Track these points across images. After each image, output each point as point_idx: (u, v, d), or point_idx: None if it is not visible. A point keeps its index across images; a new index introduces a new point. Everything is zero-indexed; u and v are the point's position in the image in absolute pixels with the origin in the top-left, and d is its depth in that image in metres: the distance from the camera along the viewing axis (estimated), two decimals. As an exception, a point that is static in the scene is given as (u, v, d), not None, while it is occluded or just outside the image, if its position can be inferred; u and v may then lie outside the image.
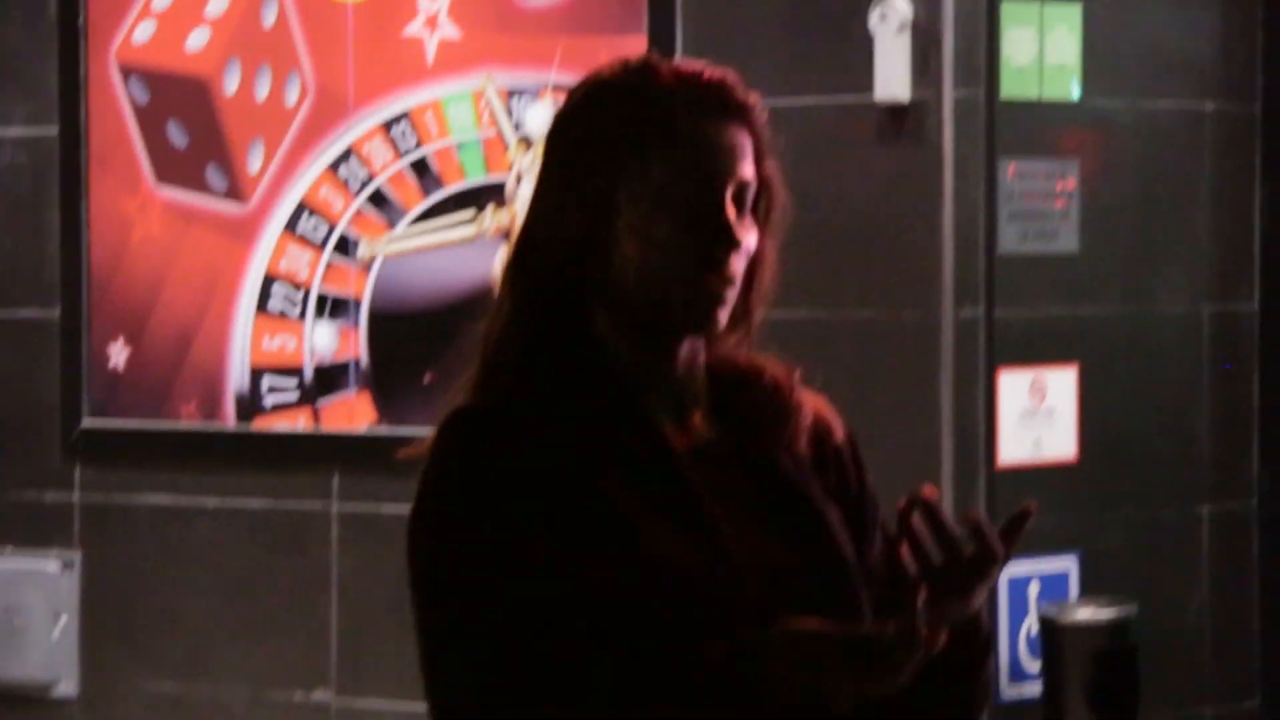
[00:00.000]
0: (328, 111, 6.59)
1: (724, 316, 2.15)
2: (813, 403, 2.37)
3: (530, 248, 2.22)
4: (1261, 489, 6.25)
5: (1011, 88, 5.58)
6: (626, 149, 2.13)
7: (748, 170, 2.16)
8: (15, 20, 7.21)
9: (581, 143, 2.20)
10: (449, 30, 6.31)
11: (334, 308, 6.09)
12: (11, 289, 7.05)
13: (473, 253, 6.26)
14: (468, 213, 6.30)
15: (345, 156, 6.50)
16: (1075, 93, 5.71)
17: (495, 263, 6.10)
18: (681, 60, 2.55)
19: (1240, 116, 6.21)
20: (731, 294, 2.15)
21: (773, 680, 2.07)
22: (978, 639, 2.23)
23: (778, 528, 2.24)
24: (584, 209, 2.14)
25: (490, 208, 6.24)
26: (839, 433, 2.37)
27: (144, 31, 6.84)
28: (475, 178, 6.26)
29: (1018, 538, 2.13)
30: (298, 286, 6.51)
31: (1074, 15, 5.68)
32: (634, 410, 2.19)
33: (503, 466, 2.12)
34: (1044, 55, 5.68)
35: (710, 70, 2.22)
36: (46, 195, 7.11)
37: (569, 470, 2.13)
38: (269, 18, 6.51)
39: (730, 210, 2.11)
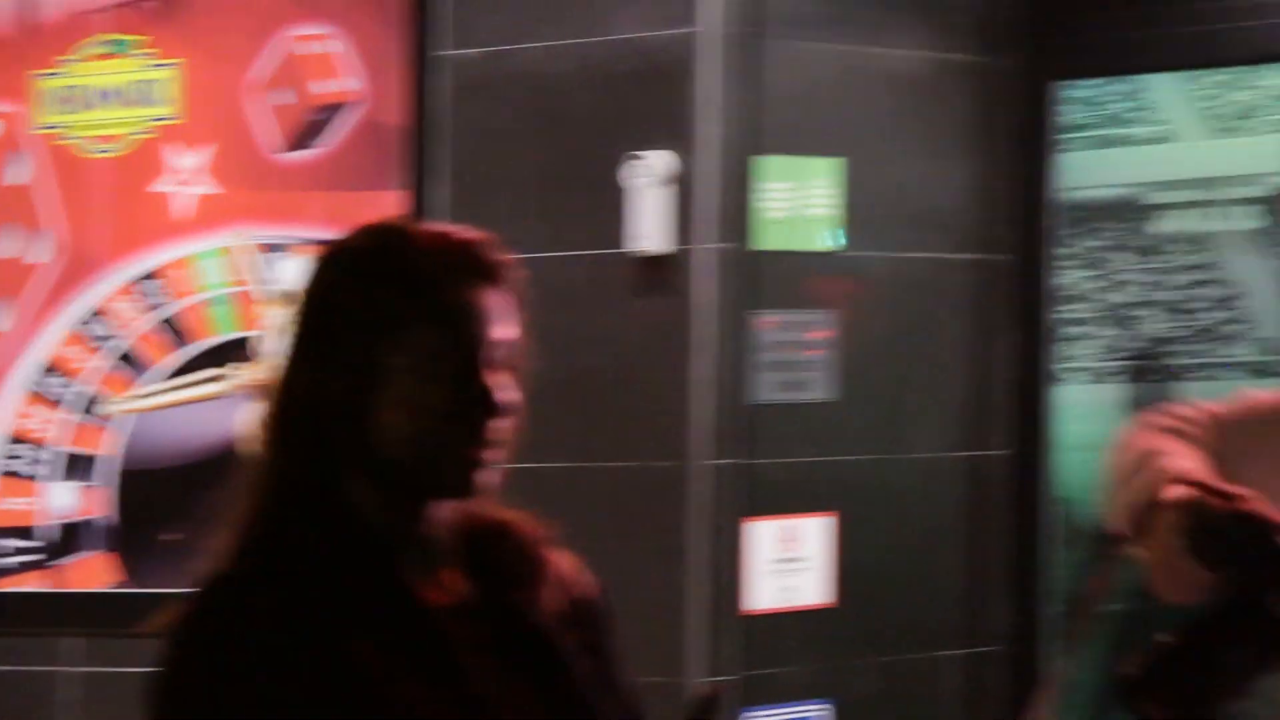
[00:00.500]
0: (78, 268, 6.52)
1: (489, 480, 2.19)
2: (563, 560, 2.40)
3: (288, 411, 2.22)
4: (1010, 633, 6.38)
5: (768, 239, 5.67)
6: (390, 318, 2.16)
7: (511, 331, 2.21)
8: None
9: (341, 309, 2.21)
10: (201, 186, 6.29)
11: (79, 465, 6.02)
12: None
13: (222, 409, 6.22)
14: (217, 369, 6.27)
15: (94, 314, 6.43)
16: (833, 244, 5.80)
17: (242, 419, 6.06)
18: (432, 224, 2.52)
19: (991, 266, 6.35)
20: (497, 458, 2.20)
21: None
22: None
23: (529, 680, 2.25)
24: (347, 377, 2.16)
25: (240, 364, 6.23)
26: (590, 590, 2.41)
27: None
28: (226, 333, 6.24)
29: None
30: (39, 445, 6.43)
31: (833, 169, 5.79)
32: (387, 571, 2.20)
33: (246, 636, 2.11)
34: (802, 208, 5.79)
35: (462, 232, 2.26)
36: None
37: (318, 635, 2.12)
38: (20, 175, 6.48)
39: (494, 377, 2.16)
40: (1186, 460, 2.64)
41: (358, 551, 2.20)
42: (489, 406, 2.18)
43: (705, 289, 5.61)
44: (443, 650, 2.22)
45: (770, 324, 5.73)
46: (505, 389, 2.21)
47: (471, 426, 2.19)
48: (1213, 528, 2.44)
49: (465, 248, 2.25)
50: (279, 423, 2.22)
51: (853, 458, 5.89)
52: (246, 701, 2.09)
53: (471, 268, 2.23)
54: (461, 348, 2.18)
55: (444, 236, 2.30)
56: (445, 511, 2.25)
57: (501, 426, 2.22)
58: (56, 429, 6.49)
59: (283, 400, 2.22)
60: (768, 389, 5.71)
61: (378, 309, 2.18)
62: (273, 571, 2.16)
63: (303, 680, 2.11)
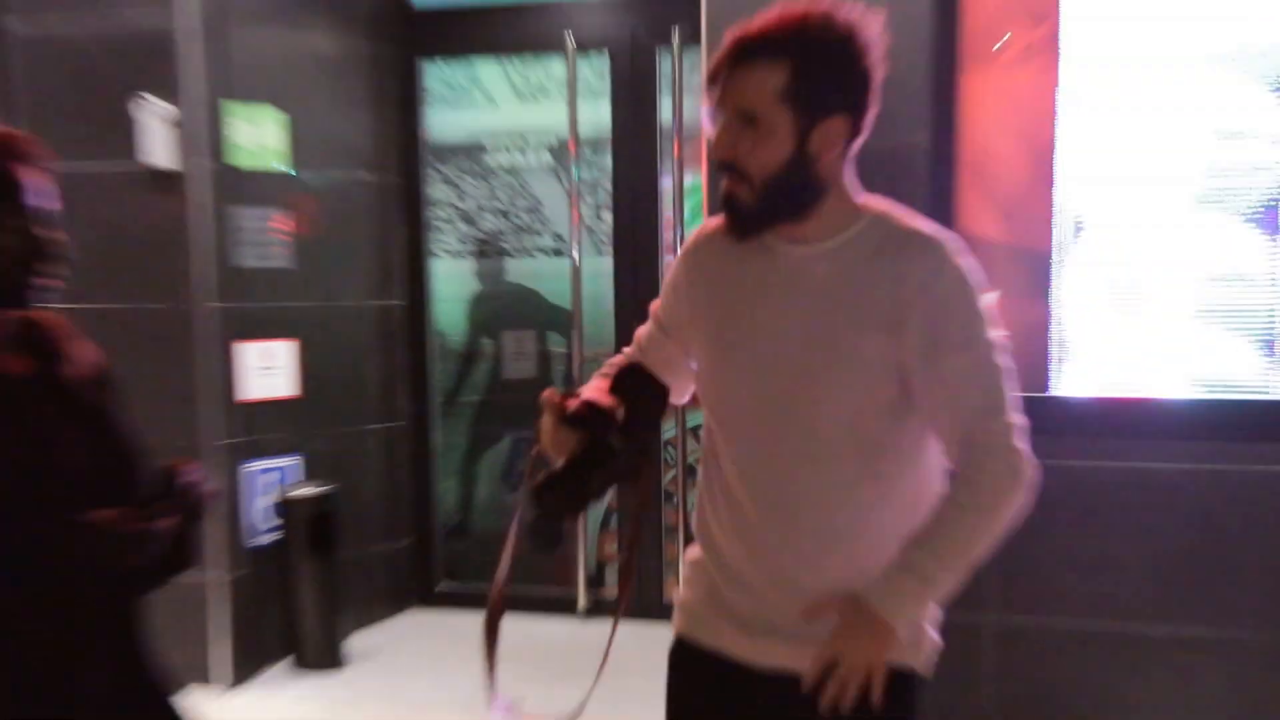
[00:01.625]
0: None
1: (41, 297, 2.62)
2: (87, 347, 2.78)
3: None
4: (407, 415, 7.57)
5: (240, 161, 6.38)
6: None
7: (50, 200, 2.62)
8: None
9: None
10: None
11: None
12: None
13: None
14: None
15: None
16: (284, 167, 6.54)
17: None
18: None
19: (388, 184, 7.35)
20: (49, 285, 2.62)
21: (71, 550, 2.53)
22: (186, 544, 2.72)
23: (78, 421, 2.60)
24: None
25: None
26: (103, 363, 2.79)
27: None
28: None
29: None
30: None
31: (280, 118, 6.56)
32: None
33: None
34: (261, 142, 6.49)
35: (12, 131, 2.67)
36: None
37: None
38: None
39: (44, 230, 2.59)
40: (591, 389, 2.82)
41: None
42: (39, 249, 2.57)
43: (200, 192, 6.24)
44: (17, 407, 2.52)
45: (247, 216, 6.46)
46: (53, 238, 2.59)
47: (25, 256, 2.56)
48: (570, 412, 2.67)
49: (13, 139, 2.63)
50: None
51: (305, 304, 6.79)
52: None
53: (17, 152, 2.59)
54: (10, 207, 2.55)
55: (15, 138, 2.64)
56: (12, 315, 2.57)
57: (49, 267, 2.59)
58: None
59: None
60: (247, 258, 6.44)
61: None
62: None
63: None
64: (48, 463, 2.49)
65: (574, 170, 7.07)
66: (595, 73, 7.10)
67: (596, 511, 7.47)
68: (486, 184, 7.62)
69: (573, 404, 2.63)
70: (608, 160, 7.17)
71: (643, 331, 3.02)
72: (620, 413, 2.65)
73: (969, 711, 5.54)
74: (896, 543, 2.64)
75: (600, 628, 7.25)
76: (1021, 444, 2.59)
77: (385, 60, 7.26)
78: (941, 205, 5.04)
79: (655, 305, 2.99)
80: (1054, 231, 5.01)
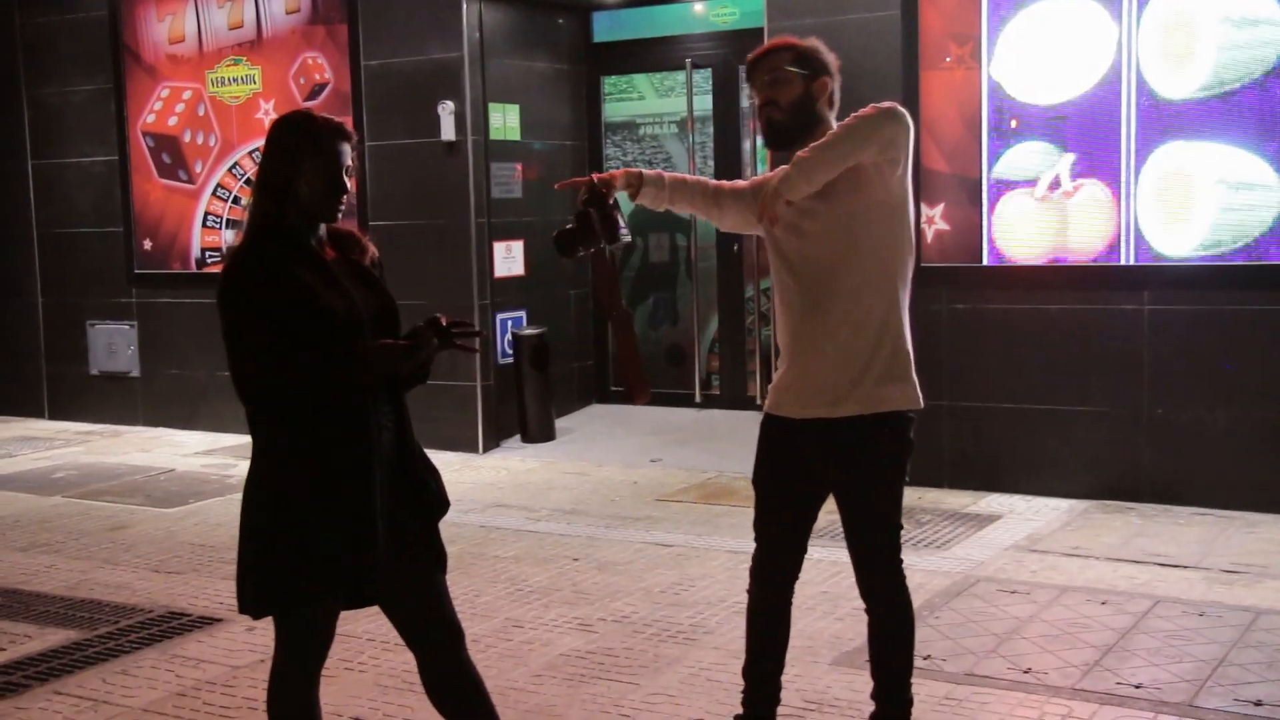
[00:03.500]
0: (225, 148, 7.94)
1: (339, 214, 2.65)
2: (369, 243, 2.81)
3: (265, 184, 2.64)
4: (589, 283, 8.31)
5: (495, 134, 7.46)
6: (306, 149, 2.62)
7: (349, 160, 2.66)
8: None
9: (285, 144, 2.64)
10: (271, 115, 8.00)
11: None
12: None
13: None
14: None
15: (233, 166, 7.85)
16: (518, 139, 7.66)
17: None
18: (323, 113, 2.72)
19: (579, 147, 8.12)
20: (343, 206, 2.65)
21: (365, 362, 2.59)
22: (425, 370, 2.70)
23: (366, 287, 2.72)
24: (289, 171, 2.61)
25: None
26: (374, 254, 2.81)
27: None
28: None
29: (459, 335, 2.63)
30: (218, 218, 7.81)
31: (515, 110, 7.65)
32: (309, 249, 2.65)
33: (265, 267, 2.58)
34: (505, 123, 7.61)
35: (334, 119, 2.69)
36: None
37: (291, 269, 2.59)
38: (202, 110, 8.05)
39: (345, 177, 2.64)
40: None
41: (297, 240, 2.64)
42: (342, 188, 2.64)
43: (473, 154, 7.15)
44: (334, 276, 2.66)
45: (498, 168, 7.37)
46: (350, 182, 2.66)
47: (335, 194, 2.64)
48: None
49: (332, 122, 2.68)
50: (261, 189, 2.66)
51: (530, 219, 7.55)
52: (272, 294, 2.56)
53: (337, 132, 2.67)
54: (333, 164, 2.63)
55: (327, 117, 2.69)
56: (321, 226, 2.69)
57: (345, 197, 2.66)
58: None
59: (260, 180, 2.67)
60: (498, 192, 7.32)
61: (300, 144, 2.63)
62: (269, 244, 2.61)
63: (290, 286, 2.58)
64: (349, 310, 2.62)
65: (690, 137, 8.07)
66: (703, 78, 8.07)
67: (707, 335, 8.22)
68: (639, 146, 8.50)
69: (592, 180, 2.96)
70: (710, 130, 8.15)
71: (744, 184, 3.26)
72: (613, 193, 2.95)
73: (932, 464, 6.14)
74: (877, 321, 2.98)
75: (708, 412, 8.17)
76: (874, 109, 2.92)
77: (579, 74, 8.35)
78: (914, 151, 6.16)
79: (757, 179, 3.29)
80: (980, 166, 6.08)
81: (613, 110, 8.56)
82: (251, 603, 2.67)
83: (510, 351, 7.56)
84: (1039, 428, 6.05)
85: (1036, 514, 5.79)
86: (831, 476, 3.07)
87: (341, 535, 2.59)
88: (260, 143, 7.11)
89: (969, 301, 6.17)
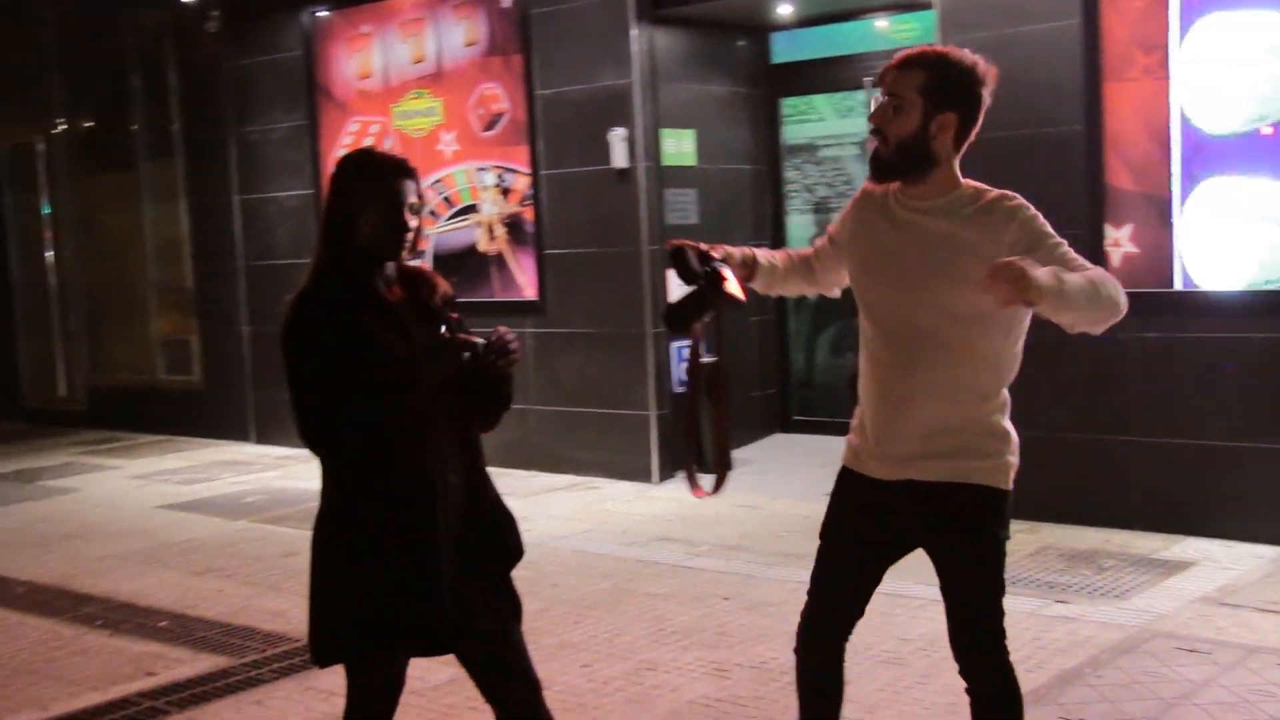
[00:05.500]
0: None
1: (405, 255, 2.62)
2: (439, 281, 2.76)
3: (330, 225, 2.64)
4: (771, 309, 8.01)
5: (670, 160, 7.37)
6: (366, 188, 2.61)
7: (414, 196, 2.62)
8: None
9: (347, 183, 2.64)
10: (453, 145, 8.02)
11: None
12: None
13: (467, 232, 7.92)
14: (464, 216, 7.93)
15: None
16: (692, 164, 7.53)
17: (472, 236, 7.84)
18: (383, 150, 2.71)
19: (759, 170, 7.98)
20: (408, 244, 2.60)
21: (427, 391, 2.57)
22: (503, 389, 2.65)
23: (433, 327, 2.68)
24: (349, 209, 2.60)
25: (471, 215, 7.87)
26: (447, 291, 2.75)
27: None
28: (465, 200, 7.91)
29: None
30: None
31: (690, 135, 7.58)
32: (371, 290, 2.64)
33: (328, 310, 2.57)
34: (680, 149, 7.51)
35: (392, 154, 2.68)
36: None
37: (352, 312, 2.58)
38: (388, 145, 8.27)
39: (407, 215, 2.61)
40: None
41: (359, 281, 2.62)
42: (404, 226, 2.61)
43: (645, 181, 7.13)
44: (397, 318, 2.63)
45: (671, 194, 7.31)
46: (412, 220, 2.62)
47: (397, 233, 2.61)
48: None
49: (393, 159, 2.68)
50: (324, 230, 2.66)
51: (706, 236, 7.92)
52: (332, 337, 2.55)
53: (398, 169, 2.65)
54: (393, 202, 2.61)
55: (388, 154, 2.71)
56: (389, 265, 2.66)
57: (409, 235, 2.61)
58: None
59: (323, 221, 2.67)
60: (671, 218, 7.24)
61: (359, 183, 2.63)
62: (331, 286, 2.60)
63: (351, 330, 2.57)
64: (408, 352, 2.60)
65: None
66: None
67: None
68: (819, 169, 8.37)
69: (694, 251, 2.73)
70: None
71: (819, 242, 3.07)
72: (728, 265, 2.74)
73: (1119, 504, 5.81)
74: (972, 395, 2.72)
75: None
76: (1118, 288, 2.60)
77: (757, 97, 8.23)
78: (1093, 169, 5.80)
79: (831, 228, 3.01)
80: (1170, 184, 5.66)
81: (792, 133, 8.42)
82: (320, 652, 2.66)
83: (686, 380, 7.39)
84: (1243, 466, 5.57)
85: (1236, 562, 5.32)
86: None
87: (406, 587, 2.56)
88: (442, 174, 7.93)
89: (1160, 330, 5.74)
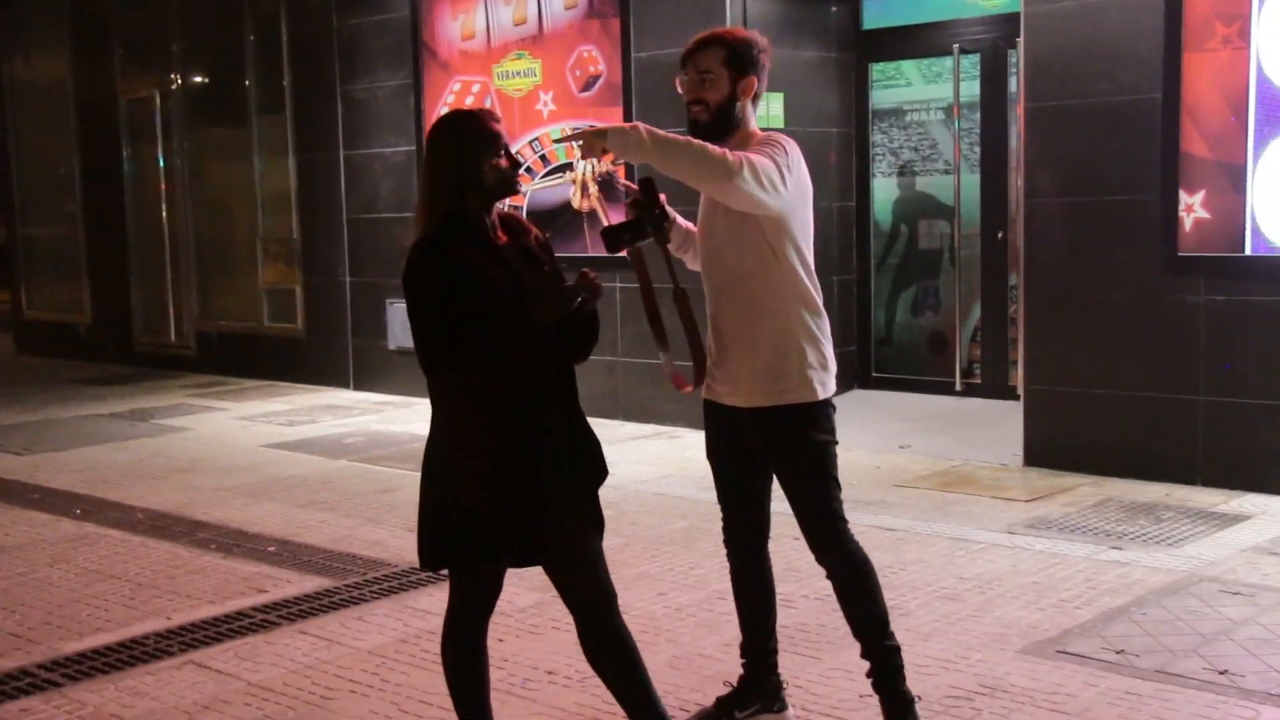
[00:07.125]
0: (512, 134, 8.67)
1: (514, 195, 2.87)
2: (532, 226, 2.99)
3: (440, 172, 2.83)
4: (855, 270, 8.26)
5: (758, 123, 7.29)
6: (480, 140, 2.83)
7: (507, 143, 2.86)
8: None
9: (458, 135, 2.84)
10: (550, 105, 8.21)
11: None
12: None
13: (561, 189, 8.02)
14: (560, 174, 8.07)
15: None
16: (780, 127, 7.57)
17: (566, 193, 7.63)
18: (482, 107, 2.81)
19: (845, 133, 8.12)
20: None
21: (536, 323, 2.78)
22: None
23: (534, 266, 2.90)
24: (470, 170, 2.81)
25: (566, 172, 7.93)
26: (541, 237, 2.99)
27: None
28: (561, 159, 8.08)
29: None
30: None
31: (779, 98, 7.72)
32: (485, 234, 2.85)
33: (453, 254, 2.77)
34: (769, 111, 7.60)
35: (491, 110, 3.05)
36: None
37: (470, 255, 2.79)
38: (487, 103, 8.52)
39: (511, 161, 2.87)
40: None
41: (477, 229, 2.83)
42: (518, 162, 2.90)
43: None
44: (504, 258, 2.84)
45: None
46: (514, 173, 2.88)
47: (515, 170, 2.88)
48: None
49: (483, 110, 2.94)
50: (439, 188, 2.84)
51: None
52: (453, 280, 2.76)
53: (492, 116, 2.91)
54: (504, 150, 2.86)
55: (479, 109, 2.94)
56: (499, 206, 2.91)
57: (513, 189, 2.88)
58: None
59: (437, 180, 2.84)
60: None
61: (473, 140, 2.84)
62: (450, 231, 2.81)
63: (469, 272, 2.77)
64: (518, 287, 2.81)
65: (956, 123, 8.01)
66: (970, 64, 7.96)
67: (969, 323, 8.08)
68: (905, 133, 8.48)
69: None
70: (977, 117, 8.02)
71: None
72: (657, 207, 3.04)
73: (1185, 460, 5.97)
74: (760, 313, 3.15)
75: (967, 400, 8.00)
76: (740, 162, 2.90)
77: (846, 62, 8.40)
78: (1169, 136, 5.95)
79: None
80: (1246, 150, 5.82)
81: (880, 97, 8.56)
82: (429, 557, 2.93)
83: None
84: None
85: (1294, 516, 5.48)
86: None
87: (511, 499, 2.79)
88: (538, 133, 8.16)
89: (1229, 293, 5.91)
